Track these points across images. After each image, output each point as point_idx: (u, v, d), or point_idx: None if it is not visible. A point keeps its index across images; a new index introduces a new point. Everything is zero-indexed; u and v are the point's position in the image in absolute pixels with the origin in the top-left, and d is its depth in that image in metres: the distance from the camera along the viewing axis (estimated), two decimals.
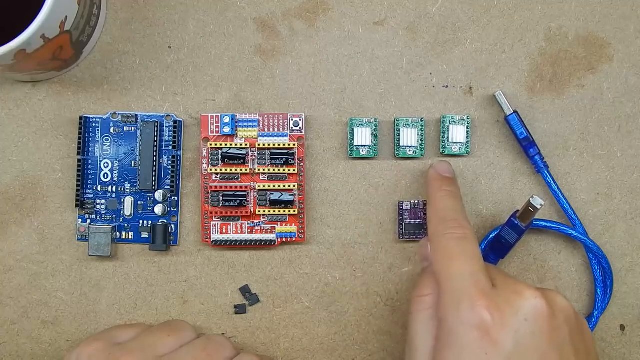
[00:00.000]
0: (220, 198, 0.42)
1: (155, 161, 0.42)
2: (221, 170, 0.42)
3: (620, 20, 0.43)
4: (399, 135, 0.42)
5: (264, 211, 0.42)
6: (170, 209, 0.43)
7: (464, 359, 0.32)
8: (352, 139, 0.42)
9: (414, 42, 0.43)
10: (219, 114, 0.42)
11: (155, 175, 0.42)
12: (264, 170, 0.42)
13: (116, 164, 0.43)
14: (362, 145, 0.42)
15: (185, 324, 0.40)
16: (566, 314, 0.34)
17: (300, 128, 0.42)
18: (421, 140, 0.43)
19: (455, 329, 0.33)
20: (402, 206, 0.43)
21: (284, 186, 0.42)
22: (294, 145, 0.42)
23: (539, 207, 0.39)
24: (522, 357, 0.32)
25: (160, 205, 0.42)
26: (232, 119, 0.42)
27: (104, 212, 0.43)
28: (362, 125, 0.42)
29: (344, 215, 0.43)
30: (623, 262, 0.43)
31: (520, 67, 0.43)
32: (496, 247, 0.42)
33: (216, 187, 0.42)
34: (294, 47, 0.43)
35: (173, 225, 0.43)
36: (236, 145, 0.42)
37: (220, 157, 0.42)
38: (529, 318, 0.33)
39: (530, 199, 0.39)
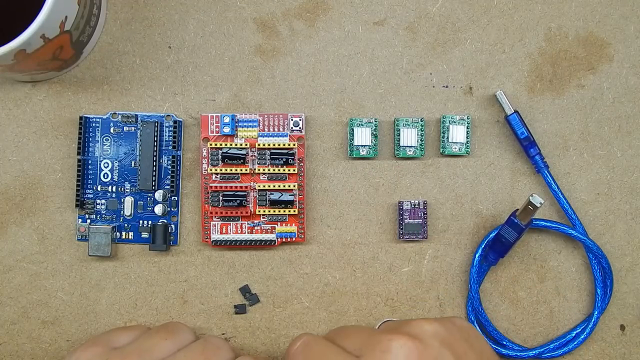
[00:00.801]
0: (220, 198, 0.42)
1: (155, 161, 0.42)
2: (221, 170, 0.42)
3: (620, 20, 0.43)
4: (399, 135, 0.42)
5: (264, 211, 0.42)
6: (170, 209, 0.43)
7: None
8: (352, 139, 0.42)
9: (414, 42, 0.43)
10: (219, 114, 0.42)
11: (155, 175, 0.42)
12: (264, 170, 0.42)
13: (116, 164, 0.43)
14: (362, 145, 0.42)
15: (183, 326, 0.40)
16: (439, 337, 0.33)
17: (300, 128, 0.42)
18: (421, 140, 0.43)
19: None
20: (402, 206, 0.43)
21: (284, 186, 0.42)
22: (294, 145, 0.42)
23: (538, 205, 0.39)
24: None
25: (160, 205, 0.42)
26: (232, 119, 0.42)
27: (104, 212, 0.43)
28: (362, 125, 0.42)
29: (344, 215, 0.43)
30: (623, 262, 0.43)
31: (520, 67, 0.43)
32: (496, 246, 0.42)
33: (216, 187, 0.42)
34: (294, 47, 0.43)
35: (173, 225, 0.43)
36: (236, 145, 0.42)
37: (220, 157, 0.42)
38: None
39: (530, 198, 0.39)
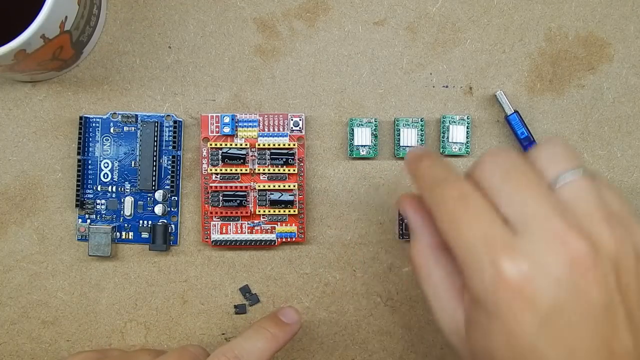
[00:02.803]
0: (220, 198, 0.42)
1: (155, 161, 0.42)
2: (221, 170, 0.42)
3: (620, 20, 0.43)
4: (399, 135, 0.42)
5: (264, 211, 0.42)
6: (170, 209, 0.43)
7: (497, 324, 0.28)
8: (352, 139, 0.42)
9: (414, 42, 0.43)
10: (219, 114, 0.42)
11: (155, 175, 0.42)
12: (264, 170, 0.42)
13: (116, 164, 0.43)
14: (362, 145, 0.42)
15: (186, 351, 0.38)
16: (613, 258, 0.28)
17: (300, 128, 0.42)
18: (421, 140, 0.43)
19: (479, 294, 0.28)
20: None
21: (284, 186, 0.42)
22: (294, 145, 0.42)
23: None
24: (567, 317, 0.27)
25: (160, 205, 0.42)
26: (232, 119, 0.42)
27: (104, 212, 0.43)
28: (362, 125, 0.42)
29: (344, 215, 0.43)
30: None
31: (520, 67, 0.43)
32: None
33: (216, 187, 0.42)
34: (294, 47, 0.43)
35: (173, 225, 0.43)
36: (236, 145, 0.42)
37: (220, 157, 0.42)
38: (562, 276, 0.27)
39: None
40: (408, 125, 0.43)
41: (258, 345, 0.36)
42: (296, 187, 0.42)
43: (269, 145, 0.42)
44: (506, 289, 0.27)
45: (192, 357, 0.36)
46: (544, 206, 0.28)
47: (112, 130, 0.43)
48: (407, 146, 0.43)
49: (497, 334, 0.28)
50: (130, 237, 0.43)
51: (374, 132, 0.42)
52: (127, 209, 0.43)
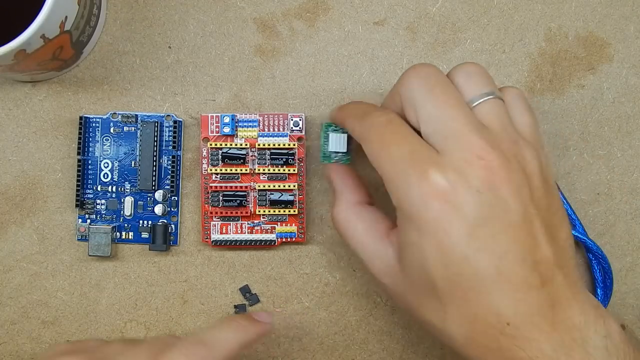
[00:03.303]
0: (220, 198, 0.42)
1: (155, 161, 0.42)
2: (221, 170, 0.42)
3: (620, 20, 0.43)
4: None
5: (264, 211, 0.42)
6: (170, 209, 0.43)
7: (428, 238, 0.30)
8: (327, 145, 0.40)
9: (414, 42, 0.43)
10: (219, 114, 0.42)
11: (155, 175, 0.42)
12: (264, 170, 0.42)
13: (116, 164, 0.43)
14: (335, 152, 0.40)
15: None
16: (524, 173, 0.31)
17: (300, 128, 0.42)
18: None
19: (410, 210, 0.30)
20: None
21: (284, 186, 0.42)
22: (294, 145, 0.42)
23: None
24: (491, 227, 0.29)
25: (160, 205, 0.42)
26: (232, 119, 0.42)
27: (104, 212, 0.43)
28: (337, 131, 0.40)
29: None
30: (623, 262, 0.43)
31: (520, 67, 0.43)
32: None
33: (216, 187, 0.42)
34: (294, 47, 0.43)
35: (173, 225, 0.43)
36: (236, 145, 0.42)
37: (220, 157, 0.42)
38: (481, 188, 0.29)
39: None
40: None
41: (226, 334, 0.36)
42: (296, 187, 0.42)
43: (269, 145, 0.42)
44: (434, 197, 0.29)
45: (163, 345, 0.35)
46: (463, 123, 0.31)
47: (112, 130, 0.43)
48: None
49: (430, 248, 0.30)
50: (130, 237, 0.43)
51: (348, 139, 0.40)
52: (127, 209, 0.43)
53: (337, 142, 0.40)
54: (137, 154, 0.42)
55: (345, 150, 0.40)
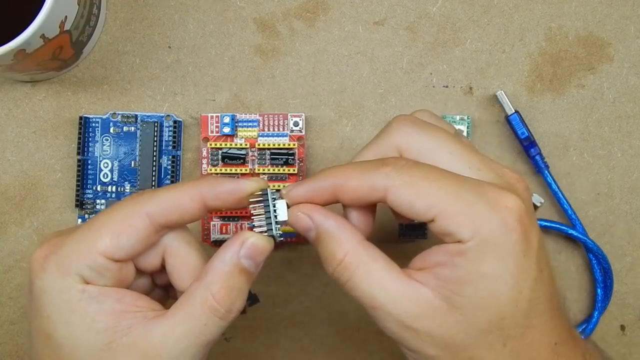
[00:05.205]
0: None
1: (155, 161, 0.42)
2: (221, 170, 0.42)
3: (620, 20, 0.43)
4: None
5: None
6: None
7: (508, 265, 0.28)
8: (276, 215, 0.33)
9: (414, 42, 0.43)
10: (219, 114, 0.42)
11: (155, 175, 0.42)
12: (264, 170, 0.42)
13: (116, 164, 0.43)
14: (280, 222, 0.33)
15: None
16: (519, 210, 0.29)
17: (300, 128, 0.42)
18: None
19: (499, 240, 0.28)
20: None
21: (284, 186, 0.42)
22: (294, 145, 0.42)
23: (538, 205, 0.39)
24: (540, 260, 0.29)
25: None
26: (232, 119, 0.42)
27: None
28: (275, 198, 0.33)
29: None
30: (623, 262, 0.43)
31: (520, 67, 0.43)
32: None
33: None
34: (294, 47, 0.43)
35: None
36: (236, 145, 0.42)
37: (220, 157, 0.42)
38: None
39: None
40: None
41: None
42: None
43: (269, 145, 0.42)
44: (515, 219, 0.28)
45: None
46: (480, 159, 0.30)
47: (111, 130, 0.43)
48: None
49: (509, 279, 0.28)
50: None
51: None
52: None
53: (283, 210, 0.33)
54: (137, 154, 0.42)
55: (285, 218, 0.33)
